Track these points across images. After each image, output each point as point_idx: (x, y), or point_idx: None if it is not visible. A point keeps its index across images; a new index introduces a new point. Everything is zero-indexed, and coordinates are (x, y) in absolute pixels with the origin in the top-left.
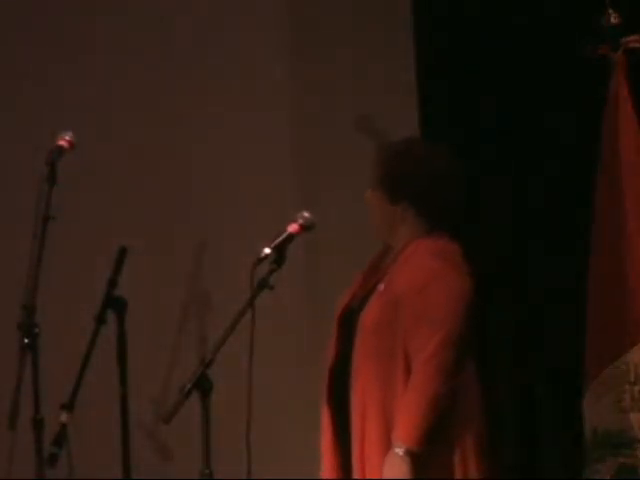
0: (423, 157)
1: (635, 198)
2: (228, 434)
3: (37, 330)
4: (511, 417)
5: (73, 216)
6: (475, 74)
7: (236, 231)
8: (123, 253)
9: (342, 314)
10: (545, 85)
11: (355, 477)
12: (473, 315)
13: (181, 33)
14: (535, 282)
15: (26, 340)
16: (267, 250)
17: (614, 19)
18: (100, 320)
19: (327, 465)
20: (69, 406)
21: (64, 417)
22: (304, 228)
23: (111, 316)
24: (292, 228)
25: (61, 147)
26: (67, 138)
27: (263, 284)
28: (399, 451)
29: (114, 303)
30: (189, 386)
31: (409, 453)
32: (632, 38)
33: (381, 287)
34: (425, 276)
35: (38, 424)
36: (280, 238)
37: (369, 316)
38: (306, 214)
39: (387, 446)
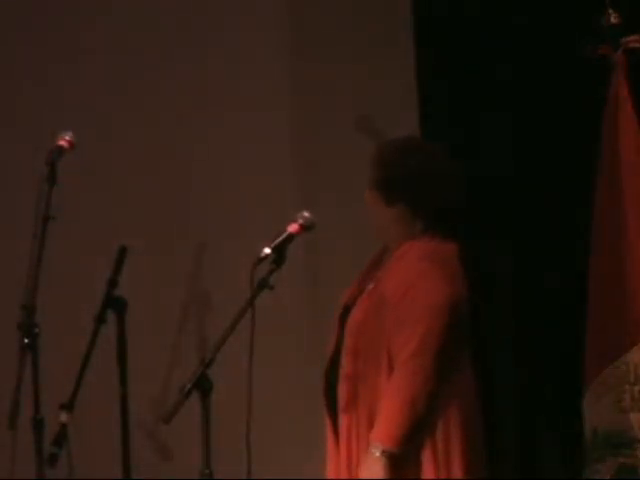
0: (420, 158)
1: (635, 198)
2: (228, 434)
3: (37, 330)
4: (511, 417)
5: (73, 216)
6: (475, 74)
7: (236, 231)
8: (123, 253)
9: (341, 312)
10: (545, 85)
11: (344, 477)
12: (462, 318)
13: (181, 33)
14: (535, 282)
15: (26, 340)
16: (267, 250)
17: (614, 19)
18: (100, 320)
19: (330, 462)
20: (69, 406)
21: (64, 417)
22: (304, 228)
23: (111, 316)
24: (292, 228)
25: (61, 147)
26: (67, 138)
27: (263, 284)
28: (375, 452)
29: (114, 303)
30: (189, 386)
31: (385, 454)
32: (632, 38)
33: (370, 287)
34: (410, 277)
35: (38, 424)
36: (280, 238)
37: (356, 315)
38: (306, 214)
39: None
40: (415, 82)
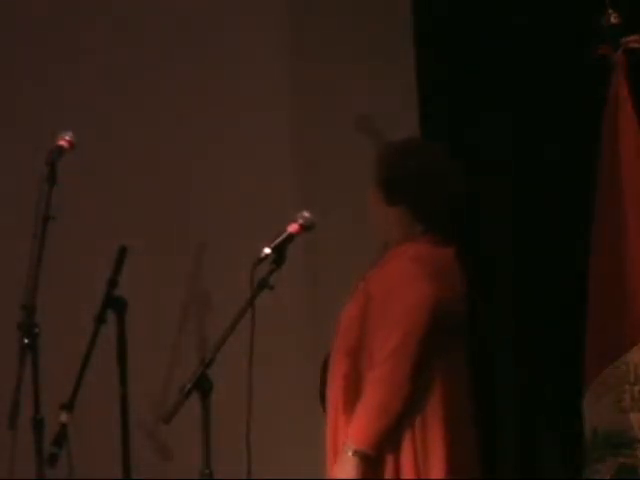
0: (421, 159)
1: (635, 198)
2: (228, 434)
3: (37, 330)
4: (511, 417)
5: (73, 216)
6: (475, 74)
7: (236, 231)
8: (123, 253)
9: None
10: (545, 85)
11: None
12: (447, 320)
13: (181, 33)
14: (535, 282)
15: (26, 340)
16: (267, 250)
17: (614, 19)
18: (100, 320)
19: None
20: (69, 406)
21: (64, 417)
22: (304, 228)
23: (111, 316)
24: (292, 228)
25: (61, 147)
26: (67, 138)
27: (263, 284)
28: (348, 451)
29: (114, 303)
30: (189, 386)
31: (358, 454)
32: (632, 38)
33: (360, 286)
34: (393, 278)
35: (38, 424)
36: (280, 238)
37: (345, 313)
38: (306, 214)
39: None
40: (415, 82)
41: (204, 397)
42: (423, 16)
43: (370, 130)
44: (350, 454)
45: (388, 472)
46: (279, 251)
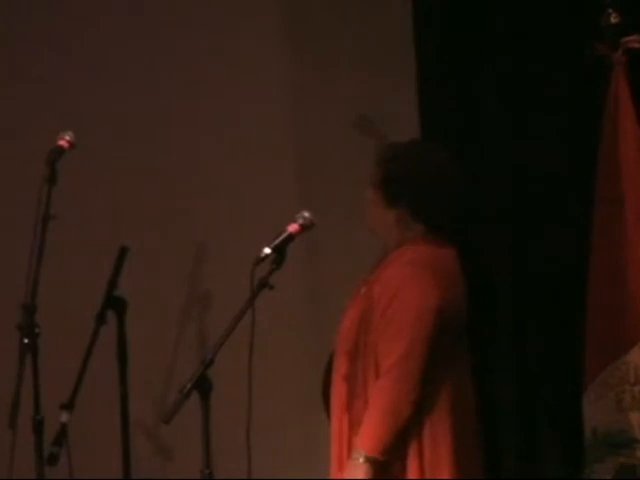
0: (420, 160)
1: (635, 197)
2: (228, 434)
3: (37, 330)
4: (511, 417)
5: (73, 216)
6: (475, 74)
7: (236, 231)
8: (123, 253)
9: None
10: (545, 85)
11: (333, 476)
12: (452, 322)
13: (181, 34)
14: (535, 282)
15: (26, 340)
16: (267, 250)
17: (614, 19)
18: (100, 320)
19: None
20: (69, 406)
21: (64, 417)
22: (304, 228)
23: (111, 316)
24: (292, 228)
25: (61, 147)
26: (67, 138)
27: (263, 284)
28: (358, 457)
29: (114, 303)
30: (189, 386)
31: (368, 461)
32: (632, 38)
33: (363, 290)
34: (396, 282)
35: (38, 424)
36: (280, 238)
37: (347, 318)
38: (306, 214)
39: None
40: (415, 82)
41: (204, 397)
42: (423, 16)
43: (370, 130)
44: (361, 461)
45: (385, 476)
46: (279, 251)
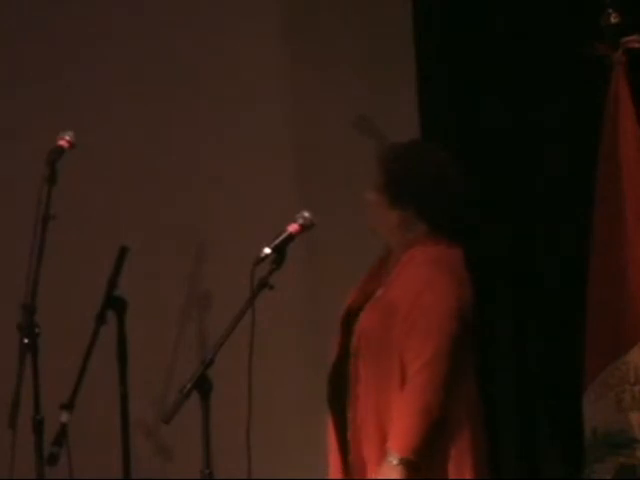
0: (424, 161)
1: (635, 197)
2: (228, 434)
3: (37, 330)
4: (511, 417)
5: (73, 216)
6: (475, 74)
7: (236, 231)
8: (123, 253)
9: (344, 315)
10: (545, 85)
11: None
12: (470, 323)
13: (181, 35)
14: (535, 282)
15: (26, 340)
16: (267, 250)
17: (614, 19)
18: (100, 320)
19: (333, 466)
20: (69, 406)
21: (64, 417)
22: (304, 228)
23: (111, 316)
24: (292, 228)
25: (61, 147)
26: (67, 138)
27: (263, 284)
28: (393, 460)
29: (114, 303)
30: (189, 386)
31: (403, 462)
32: (632, 38)
33: (379, 293)
34: (419, 285)
35: (38, 424)
36: (280, 238)
37: (366, 321)
38: (306, 214)
39: (383, 451)
40: (415, 82)
41: (204, 397)
42: (423, 16)
43: (370, 130)
44: (395, 463)
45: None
46: (279, 251)
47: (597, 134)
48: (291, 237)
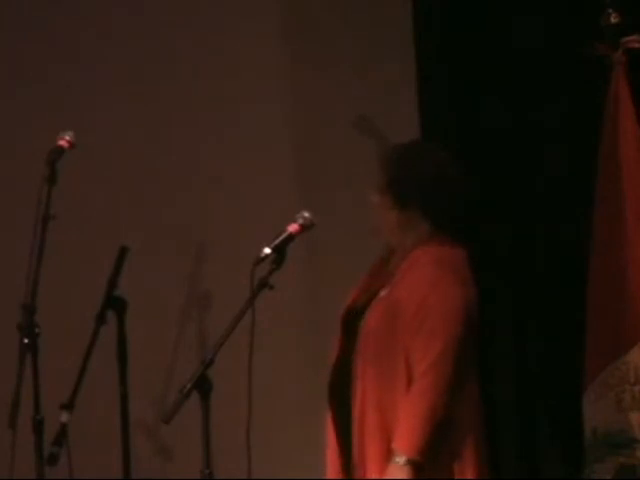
0: (426, 160)
1: (635, 197)
2: (228, 434)
3: (37, 330)
4: (511, 417)
5: (73, 216)
6: (476, 74)
7: (236, 231)
8: (123, 253)
9: (345, 315)
10: (545, 85)
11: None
12: (475, 323)
13: (181, 35)
14: (535, 282)
15: (26, 340)
16: (267, 250)
17: (614, 19)
18: (100, 320)
19: (331, 465)
20: (69, 406)
21: (64, 417)
22: (304, 228)
23: (111, 316)
24: (292, 228)
25: (61, 147)
26: (67, 138)
27: (263, 284)
28: (400, 461)
29: (114, 303)
30: (189, 386)
31: (410, 463)
32: (632, 38)
33: (384, 293)
34: (425, 286)
35: (38, 424)
36: (280, 238)
37: (371, 321)
38: (306, 214)
39: (386, 451)
40: (415, 82)
41: (204, 397)
42: (423, 16)
43: (370, 130)
44: (402, 464)
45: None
46: (279, 251)
47: (597, 134)
48: (291, 237)
